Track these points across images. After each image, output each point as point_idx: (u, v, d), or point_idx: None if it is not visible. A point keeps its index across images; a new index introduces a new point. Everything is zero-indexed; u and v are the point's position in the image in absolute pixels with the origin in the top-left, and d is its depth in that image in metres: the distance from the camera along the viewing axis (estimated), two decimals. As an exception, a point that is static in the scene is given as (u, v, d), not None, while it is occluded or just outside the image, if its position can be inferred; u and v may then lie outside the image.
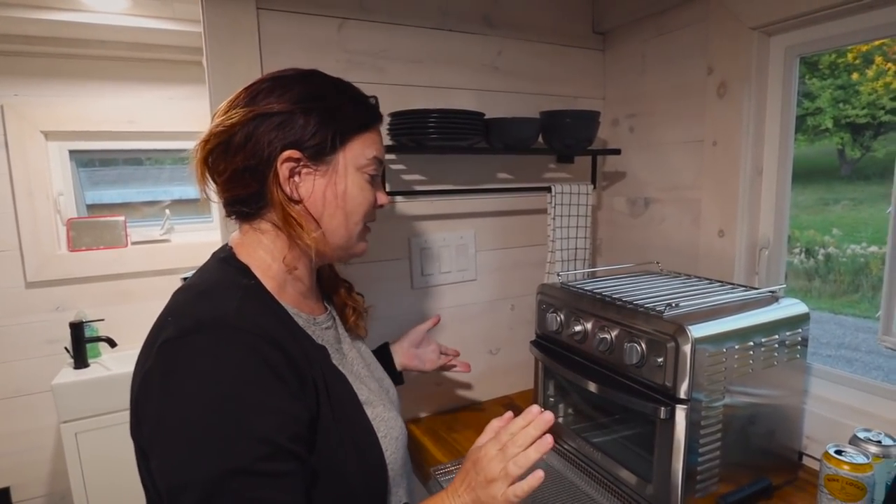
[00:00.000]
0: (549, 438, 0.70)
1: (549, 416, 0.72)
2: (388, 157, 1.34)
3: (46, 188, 2.23)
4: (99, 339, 2.22)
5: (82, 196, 2.48)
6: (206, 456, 0.59)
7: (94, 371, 2.16)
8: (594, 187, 1.55)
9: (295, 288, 0.80)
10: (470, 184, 1.46)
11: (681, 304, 0.95)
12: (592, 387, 1.04)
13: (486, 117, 1.35)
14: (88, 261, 2.31)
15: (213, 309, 0.66)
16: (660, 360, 0.90)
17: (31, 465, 2.29)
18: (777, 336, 0.98)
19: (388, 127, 1.28)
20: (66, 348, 2.20)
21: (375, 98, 0.84)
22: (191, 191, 2.66)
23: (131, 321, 2.35)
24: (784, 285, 1.17)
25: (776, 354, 0.98)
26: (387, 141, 1.27)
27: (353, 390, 0.79)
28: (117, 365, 2.17)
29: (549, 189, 1.47)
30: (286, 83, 0.75)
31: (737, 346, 0.92)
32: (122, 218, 2.43)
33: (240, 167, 0.73)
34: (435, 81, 1.39)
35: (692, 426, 0.89)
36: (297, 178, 0.75)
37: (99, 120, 2.28)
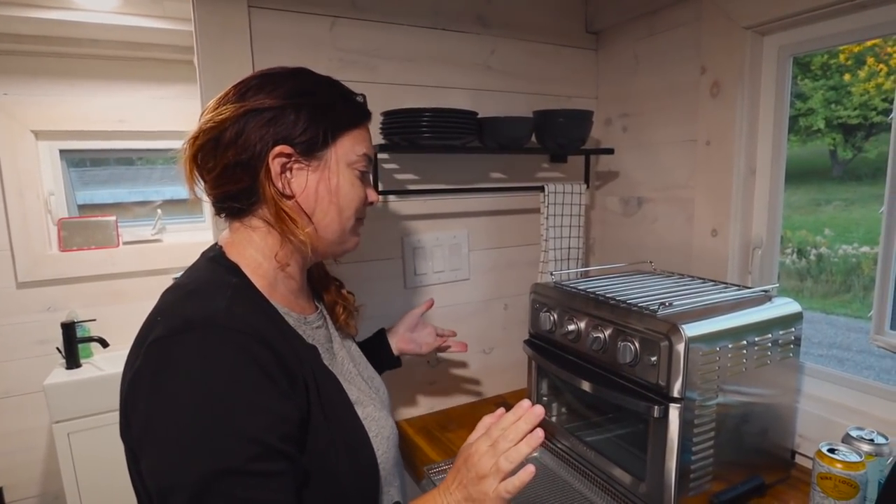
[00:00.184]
0: (539, 432, 0.70)
1: (539, 410, 0.71)
2: (381, 156, 1.34)
3: (37, 188, 2.22)
4: (91, 339, 2.20)
5: (73, 196, 2.46)
6: (196, 456, 0.58)
7: (86, 371, 2.14)
8: (587, 187, 1.55)
9: (286, 286, 0.79)
10: (463, 183, 1.46)
11: (674, 304, 0.95)
12: (586, 386, 1.03)
13: (479, 116, 1.34)
14: (80, 261, 2.29)
15: (203, 308, 0.66)
16: (653, 358, 0.90)
17: (23, 465, 2.27)
18: (770, 335, 0.98)
19: (380, 126, 1.27)
20: (57, 349, 2.18)
21: (363, 96, 0.84)
22: (182, 191, 2.64)
23: (123, 321, 2.33)
24: (777, 284, 1.18)
25: (769, 353, 0.98)
26: (379, 140, 1.27)
27: (343, 390, 0.78)
28: (109, 365, 2.16)
29: (542, 188, 1.47)
30: (276, 79, 0.75)
31: (730, 345, 0.92)
32: (113, 218, 2.42)
33: (231, 163, 0.72)
34: (428, 80, 1.38)
35: (685, 425, 0.89)
36: (289, 174, 0.74)
37: (90, 119, 2.26)
